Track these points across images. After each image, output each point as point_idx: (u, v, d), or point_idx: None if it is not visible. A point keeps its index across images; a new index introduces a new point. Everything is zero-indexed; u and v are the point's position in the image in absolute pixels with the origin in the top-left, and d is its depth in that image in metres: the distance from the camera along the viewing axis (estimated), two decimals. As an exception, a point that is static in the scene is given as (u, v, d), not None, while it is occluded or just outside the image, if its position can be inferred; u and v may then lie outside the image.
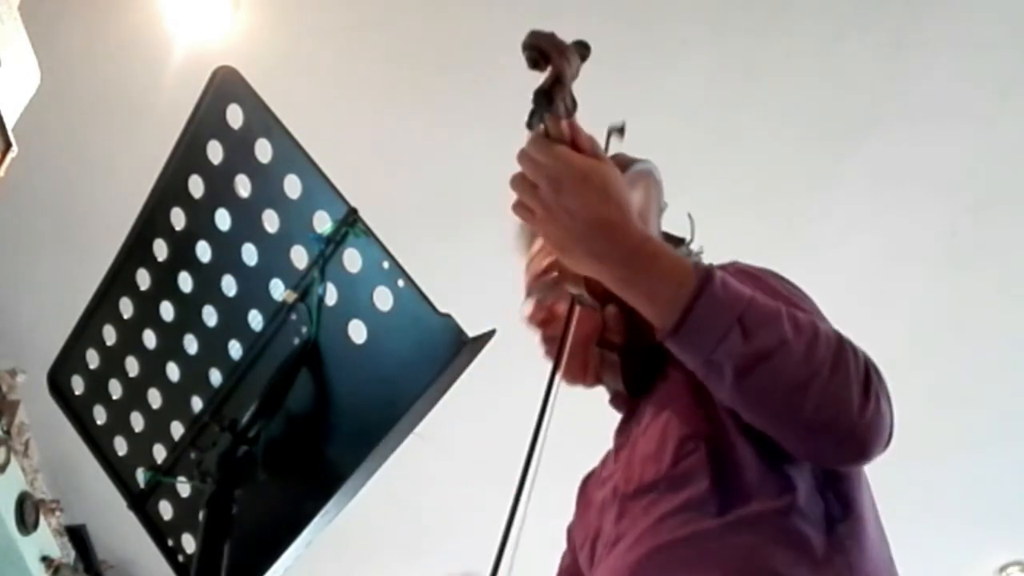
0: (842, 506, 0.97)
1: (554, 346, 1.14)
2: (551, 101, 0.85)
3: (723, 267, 1.10)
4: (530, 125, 0.88)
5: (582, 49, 0.87)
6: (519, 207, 0.92)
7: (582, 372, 1.19)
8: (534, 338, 1.25)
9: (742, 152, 2.79)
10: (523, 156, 0.90)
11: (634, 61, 2.58)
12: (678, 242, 1.25)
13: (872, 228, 2.94)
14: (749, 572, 0.90)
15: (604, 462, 1.24)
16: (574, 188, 0.88)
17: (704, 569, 0.92)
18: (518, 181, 0.91)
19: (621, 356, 1.14)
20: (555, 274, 1.20)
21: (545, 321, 1.23)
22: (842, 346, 0.90)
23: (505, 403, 3.13)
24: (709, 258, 1.14)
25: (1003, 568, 3.87)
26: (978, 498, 3.52)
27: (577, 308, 1.13)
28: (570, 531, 1.25)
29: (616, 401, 1.25)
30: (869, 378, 0.90)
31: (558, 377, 1.11)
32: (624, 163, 1.10)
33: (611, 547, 1.04)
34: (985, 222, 2.90)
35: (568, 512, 1.27)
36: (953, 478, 3.45)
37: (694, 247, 1.24)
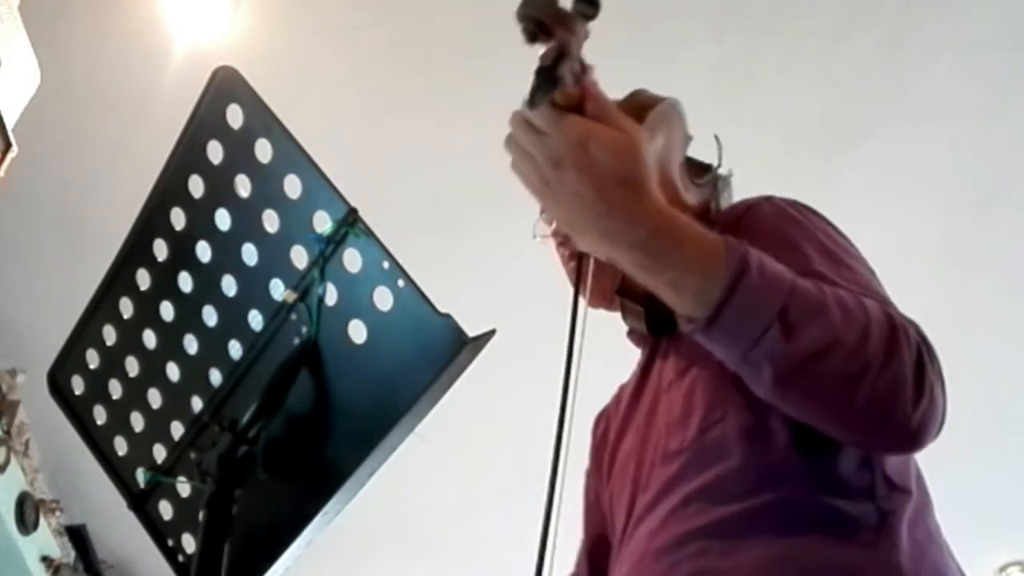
0: (889, 478, 0.90)
1: (577, 264, 1.04)
2: (556, 82, 0.71)
3: (757, 202, 1.04)
4: (531, 104, 0.73)
5: (587, 9, 0.73)
6: (523, 179, 0.79)
7: (608, 298, 1.09)
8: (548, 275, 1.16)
9: (742, 152, 2.78)
10: (514, 121, 0.77)
11: (634, 61, 2.58)
12: (704, 169, 1.15)
13: (872, 227, 2.91)
14: (791, 558, 0.84)
15: (618, 401, 1.15)
16: (573, 160, 0.75)
17: (741, 557, 0.85)
18: (517, 155, 0.78)
19: (645, 306, 1.06)
20: None
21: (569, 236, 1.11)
22: (895, 330, 0.81)
23: (505, 403, 3.13)
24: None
25: (1003, 568, 3.86)
26: (978, 498, 3.51)
27: (592, 260, 1.03)
28: (588, 476, 1.17)
29: (635, 335, 1.16)
30: (922, 364, 0.82)
31: (581, 308, 0.99)
32: (647, 103, 1.00)
33: (636, 524, 0.96)
34: (985, 222, 2.90)
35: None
36: (953, 478, 3.43)
37: (722, 171, 1.13)
